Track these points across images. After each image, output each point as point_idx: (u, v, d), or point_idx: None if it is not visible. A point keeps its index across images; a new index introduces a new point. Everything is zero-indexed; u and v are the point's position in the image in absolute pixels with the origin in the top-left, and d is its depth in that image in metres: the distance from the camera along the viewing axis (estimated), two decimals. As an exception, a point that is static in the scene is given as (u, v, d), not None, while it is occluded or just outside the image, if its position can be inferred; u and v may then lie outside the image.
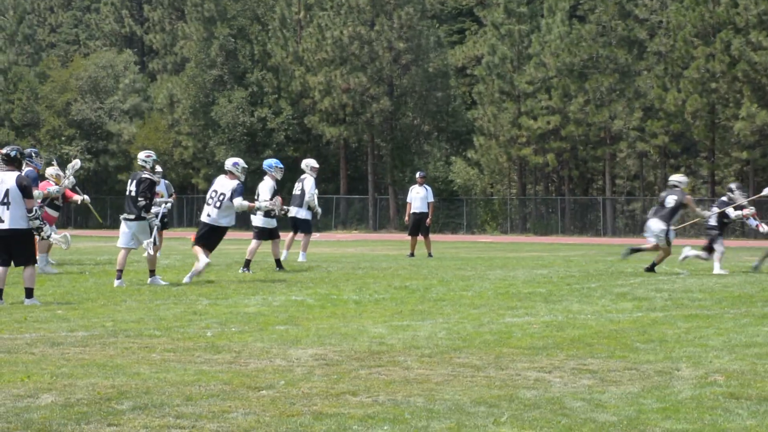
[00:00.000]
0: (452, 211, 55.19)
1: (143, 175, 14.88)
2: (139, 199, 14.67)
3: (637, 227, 51.10)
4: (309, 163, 21.26)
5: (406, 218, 24.69)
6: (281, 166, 18.64)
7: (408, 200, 24.56)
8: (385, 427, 5.56)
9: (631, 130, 48.70)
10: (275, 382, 6.84)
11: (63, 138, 59.58)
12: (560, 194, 53.93)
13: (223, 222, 15.48)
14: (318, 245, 28.82)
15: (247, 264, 17.53)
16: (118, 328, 9.57)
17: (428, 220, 24.07)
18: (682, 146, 49.42)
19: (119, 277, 14.52)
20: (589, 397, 6.40)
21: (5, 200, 11.68)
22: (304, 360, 7.77)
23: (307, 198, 20.34)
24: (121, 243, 14.89)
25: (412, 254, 23.68)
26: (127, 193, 14.90)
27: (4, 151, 12.16)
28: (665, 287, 14.46)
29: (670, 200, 17.37)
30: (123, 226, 14.92)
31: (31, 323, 9.89)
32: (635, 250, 18.48)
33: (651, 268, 17.53)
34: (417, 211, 24.05)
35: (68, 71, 61.92)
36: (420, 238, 24.03)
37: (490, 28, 53.45)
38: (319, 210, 20.62)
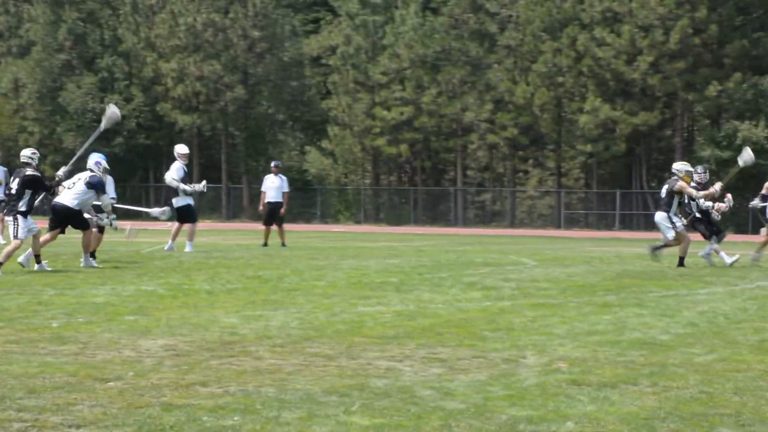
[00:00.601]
0: (306, 200, 55.11)
1: (27, 172, 14.99)
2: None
3: (487, 218, 52.17)
4: (176, 149, 21.17)
5: (261, 207, 24.59)
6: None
7: (263, 189, 24.47)
8: (236, 418, 5.53)
9: (481, 122, 49.54)
10: (124, 373, 6.72)
11: None
12: (413, 185, 54.48)
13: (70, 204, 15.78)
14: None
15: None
16: (-41, 319, 9.25)
17: (282, 210, 24.03)
18: (530, 138, 50.54)
19: (39, 261, 14.94)
20: (438, 385, 6.50)
21: None
22: (154, 351, 7.67)
23: (168, 181, 20.43)
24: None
25: (265, 244, 23.60)
26: (8, 190, 15.10)
27: None
28: (513, 277, 14.80)
29: (663, 190, 17.59)
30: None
31: None
32: (658, 248, 17.76)
33: (681, 263, 17.15)
34: (272, 200, 23.99)
35: None
36: (274, 227, 23.96)
37: (345, 18, 53.59)
38: (190, 190, 20.52)
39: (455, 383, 6.57)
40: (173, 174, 20.64)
